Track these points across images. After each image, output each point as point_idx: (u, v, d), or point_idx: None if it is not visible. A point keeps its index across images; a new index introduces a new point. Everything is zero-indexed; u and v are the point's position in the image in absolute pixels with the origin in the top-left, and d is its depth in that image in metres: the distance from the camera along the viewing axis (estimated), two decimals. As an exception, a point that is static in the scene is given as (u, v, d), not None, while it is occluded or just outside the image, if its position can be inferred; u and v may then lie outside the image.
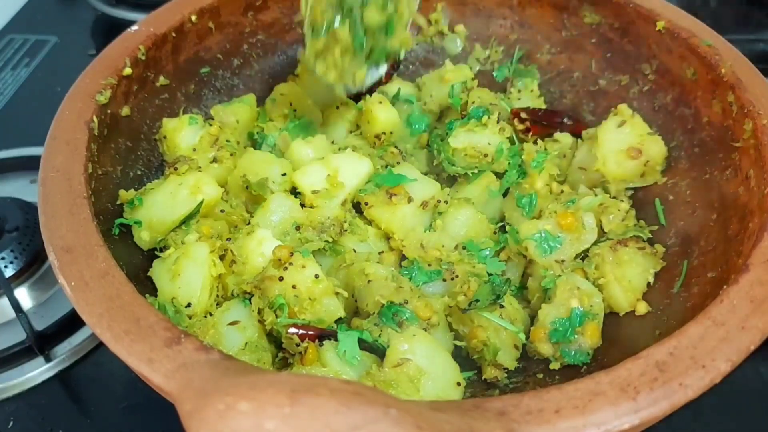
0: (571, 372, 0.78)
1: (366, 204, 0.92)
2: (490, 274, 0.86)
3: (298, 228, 0.89)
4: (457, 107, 1.06)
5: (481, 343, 0.78)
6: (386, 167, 0.98)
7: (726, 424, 0.87)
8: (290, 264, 0.80)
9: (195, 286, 0.80)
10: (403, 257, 0.90)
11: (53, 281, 1.02)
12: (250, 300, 0.82)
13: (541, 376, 0.78)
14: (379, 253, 0.91)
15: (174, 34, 0.99)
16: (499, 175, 0.99)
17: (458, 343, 0.81)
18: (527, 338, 0.80)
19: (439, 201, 0.93)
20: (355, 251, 0.90)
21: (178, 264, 0.81)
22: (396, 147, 1.03)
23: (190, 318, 0.80)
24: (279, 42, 1.16)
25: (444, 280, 0.85)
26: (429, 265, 0.86)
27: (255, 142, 1.06)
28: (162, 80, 1.00)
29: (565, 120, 1.04)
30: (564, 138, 1.01)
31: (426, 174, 0.99)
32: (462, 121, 1.00)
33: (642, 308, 0.82)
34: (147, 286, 0.83)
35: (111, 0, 1.59)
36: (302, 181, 0.93)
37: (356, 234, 0.91)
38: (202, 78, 1.08)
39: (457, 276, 0.85)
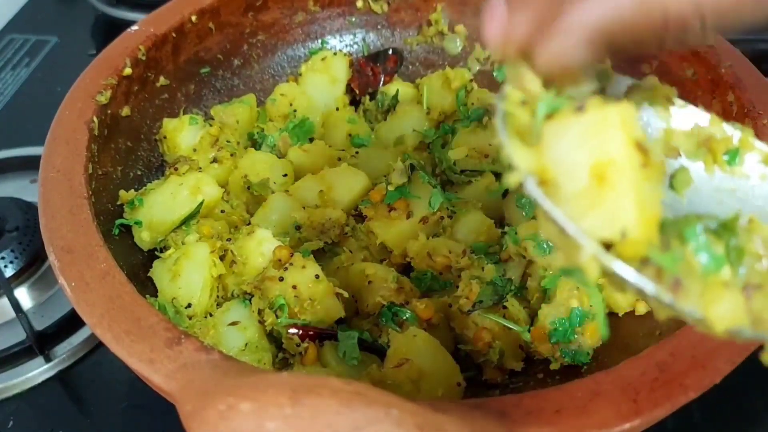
0: (572, 372, 0.78)
1: (365, 217, 0.92)
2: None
3: (298, 228, 0.89)
4: (464, 114, 1.05)
5: (487, 346, 0.78)
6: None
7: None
8: (290, 264, 0.80)
9: (195, 287, 0.80)
10: (410, 267, 0.89)
11: (53, 281, 1.01)
12: (250, 300, 0.82)
13: (541, 376, 0.78)
14: (381, 261, 0.91)
15: (174, 35, 0.99)
16: (498, 176, 0.99)
17: (462, 347, 0.81)
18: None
19: (442, 217, 0.92)
20: (351, 252, 0.90)
21: (179, 264, 0.81)
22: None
23: (190, 318, 0.80)
24: (279, 42, 1.16)
25: (453, 286, 0.85)
26: (440, 273, 0.86)
27: (255, 142, 1.06)
28: (162, 80, 1.00)
29: (565, 120, 1.04)
30: (564, 138, 1.00)
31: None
32: (463, 124, 0.99)
33: (642, 308, 0.82)
34: (147, 287, 0.83)
35: (111, 0, 1.58)
36: (294, 195, 0.93)
37: (358, 239, 0.91)
38: (202, 78, 1.08)
39: (459, 277, 0.85)
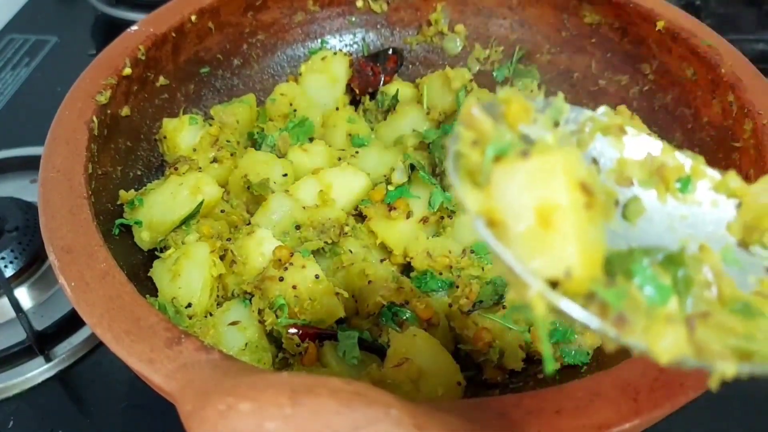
0: (571, 372, 0.78)
1: (365, 217, 0.92)
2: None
3: (298, 228, 0.89)
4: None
5: (487, 345, 0.78)
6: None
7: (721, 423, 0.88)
8: (290, 264, 0.80)
9: (195, 287, 0.80)
10: (410, 267, 0.89)
11: (53, 281, 1.02)
12: (250, 300, 0.82)
13: (541, 376, 0.78)
14: (381, 261, 0.91)
15: (174, 34, 0.99)
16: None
17: (462, 347, 0.81)
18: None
19: (442, 217, 0.92)
20: (351, 252, 0.90)
21: (179, 264, 0.81)
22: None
23: (190, 318, 0.80)
24: (279, 42, 1.16)
25: (453, 286, 0.85)
26: (440, 273, 0.86)
27: (255, 142, 1.06)
28: (162, 80, 1.00)
29: (565, 120, 1.04)
30: (564, 138, 1.00)
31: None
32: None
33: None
34: (147, 287, 0.83)
35: (111, 0, 1.58)
36: (294, 195, 0.93)
37: (358, 239, 0.91)
38: (202, 78, 1.08)
39: (458, 277, 0.85)
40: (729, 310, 0.43)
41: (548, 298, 0.39)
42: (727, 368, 0.39)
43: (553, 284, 0.39)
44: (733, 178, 0.50)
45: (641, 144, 0.51)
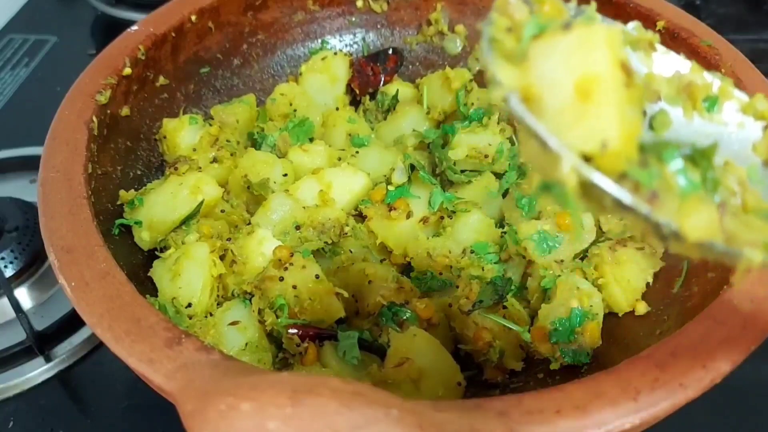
0: (571, 372, 0.78)
1: (365, 217, 0.92)
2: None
3: (298, 228, 0.89)
4: (464, 114, 1.05)
5: (487, 345, 0.78)
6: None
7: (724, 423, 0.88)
8: (290, 264, 0.80)
9: (195, 286, 0.80)
10: (410, 267, 0.89)
11: (53, 281, 1.02)
12: (250, 300, 0.82)
13: (541, 376, 0.79)
14: (381, 261, 0.91)
15: (174, 34, 0.99)
16: (498, 176, 0.99)
17: (462, 347, 0.81)
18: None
19: (442, 217, 0.92)
20: (351, 252, 0.90)
21: (179, 264, 0.81)
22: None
23: (190, 318, 0.80)
24: (279, 41, 1.16)
25: (453, 286, 0.85)
26: (440, 273, 0.86)
27: (255, 142, 1.06)
28: (162, 80, 1.00)
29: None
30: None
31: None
32: (463, 125, 0.99)
33: (641, 308, 0.82)
34: (147, 287, 0.83)
35: (111, 0, 1.59)
36: (294, 195, 0.93)
37: (358, 239, 0.91)
38: (202, 78, 1.08)
39: (459, 277, 0.85)
40: (754, 216, 0.43)
41: (581, 172, 0.38)
42: (755, 256, 0.39)
43: (587, 161, 0.39)
44: (761, 100, 0.50)
45: (670, 61, 0.51)
